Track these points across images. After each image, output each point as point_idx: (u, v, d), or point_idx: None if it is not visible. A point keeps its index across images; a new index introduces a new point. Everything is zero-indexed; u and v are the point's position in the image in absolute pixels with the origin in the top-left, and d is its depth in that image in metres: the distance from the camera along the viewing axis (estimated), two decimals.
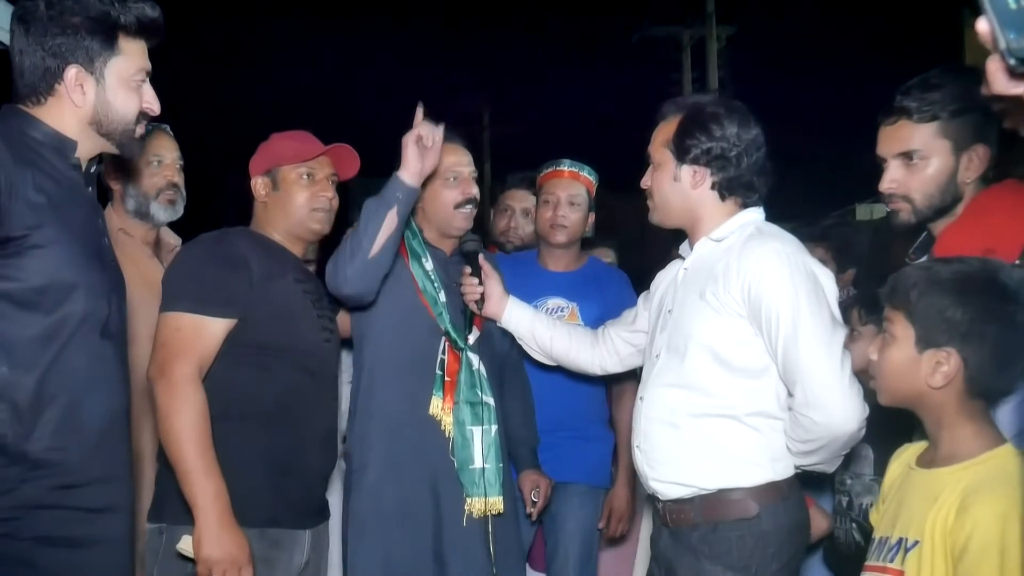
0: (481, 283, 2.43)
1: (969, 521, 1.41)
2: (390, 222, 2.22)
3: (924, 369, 1.52)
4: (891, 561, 1.53)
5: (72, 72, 1.68)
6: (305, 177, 2.24)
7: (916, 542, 1.49)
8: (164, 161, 2.66)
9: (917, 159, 1.90)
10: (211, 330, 2.04)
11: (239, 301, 2.06)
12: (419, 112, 2.27)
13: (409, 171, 2.22)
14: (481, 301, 2.43)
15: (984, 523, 1.40)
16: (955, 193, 1.89)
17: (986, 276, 1.51)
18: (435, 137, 2.24)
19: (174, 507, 1.99)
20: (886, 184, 1.94)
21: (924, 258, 1.90)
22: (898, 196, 1.93)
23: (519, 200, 3.27)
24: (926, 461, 1.60)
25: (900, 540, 1.54)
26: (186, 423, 1.94)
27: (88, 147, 1.74)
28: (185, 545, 1.95)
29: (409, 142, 2.22)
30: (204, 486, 1.92)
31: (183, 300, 2.05)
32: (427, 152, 2.24)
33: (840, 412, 1.82)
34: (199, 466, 1.93)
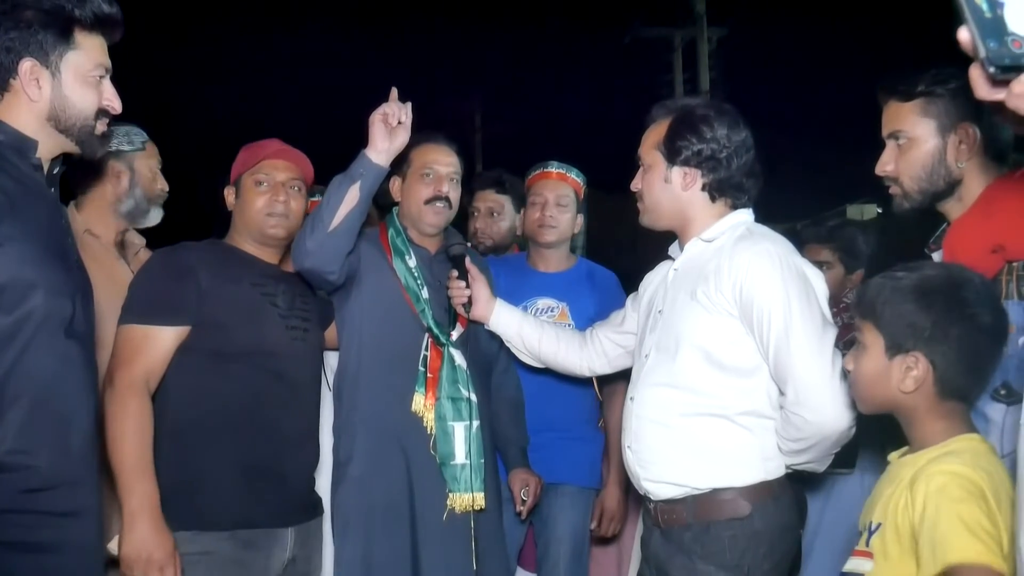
0: (468, 286, 2.44)
1: (921, 488, 1.46)
2: (352, 197, 2.22)
3: (895, 375, 1.56)
4: (867, 545, 1.59)
5: (27, 65, 1.66)
6: (262, 184, 2.28)
7: (879, 524, 1.55)
8: (158, 169, 2.68)
9: (903, 139, 1.88)
10: (159, 339, 2.09)
11: (188, 309, 2.11)
12: (392, 93, 2.26)
13: (375, 149, 2.22)
14: (469, 304, 2.44)
15: (931, 484, 1.45)
16: (947, 176, 1.85)
17: (948, 280, 1.55)
18: (402, 115, 2.24)
19: (171, 514, 2.00)
20: (878, 167, 1.93)
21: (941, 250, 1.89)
22: (891, 180, 1.92)
23: (483, 200, 3.27)
24: (904, 455, 1.65)
25: (868, 525, 1.60)
26: (125, 428, 2.00)
27: (49, 146, 1.73)
28: (113, 545, 1.99)
29: (375, 120, 2.23)
30: (132, 489, 1.96)
31: (131, 312, 2.12)
32: (395, 131, 2.23)
33: (831, 411, 1.84)
34: (130, 469, 1.97)
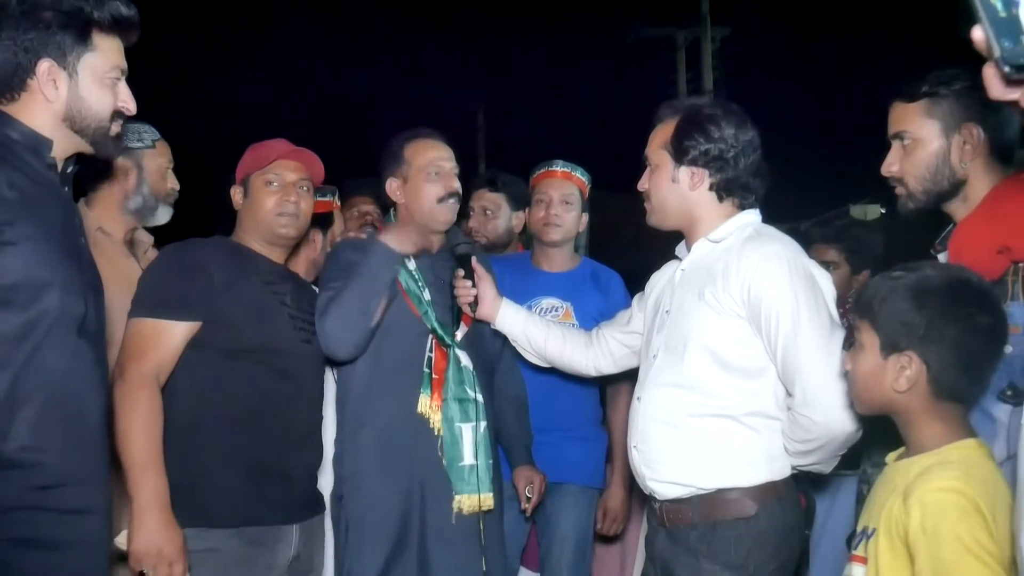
0: (474, 285, 2.43)
1: (916, 503, 1.45)
2: (385, 291, 2.31)
3: (889, 374, 1.55)
4: (859, 550, 1.59)
5: (44, 66, 1.67)
6: (273, 184, 2.28)
7: (875, 530, 1.55)
8: (170, 168, 2.68)
9: (908, 140, 1.89)
10: (170, 334, 2.09)
11: (198, 305, 2.11)
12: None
13: (407, 246, 2.35)
14: (475, 304, 2.44)
15: (926, 500, 1.44)
16: (951, 176, 1.87)
17: (945, 281, 1.55)
18: None
19: (178, 510, 2.00)
20: (883, 168, 1.94)
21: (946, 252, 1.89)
22: (895, 180, 1.93)
23: (478, 200, 3.27)
24: (900, 457, 1.64)
25: (864, 529, 1.60)
26: (135, 422, 2.00)
27: (63, 146, 1.74)
28: (121, 539, 1.99)
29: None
30: (142, 483, 1.97)
31: (142, 306, 2.12)
32: None
33: (838, 412, 1.84)
34: (140, 463, 1.98)
